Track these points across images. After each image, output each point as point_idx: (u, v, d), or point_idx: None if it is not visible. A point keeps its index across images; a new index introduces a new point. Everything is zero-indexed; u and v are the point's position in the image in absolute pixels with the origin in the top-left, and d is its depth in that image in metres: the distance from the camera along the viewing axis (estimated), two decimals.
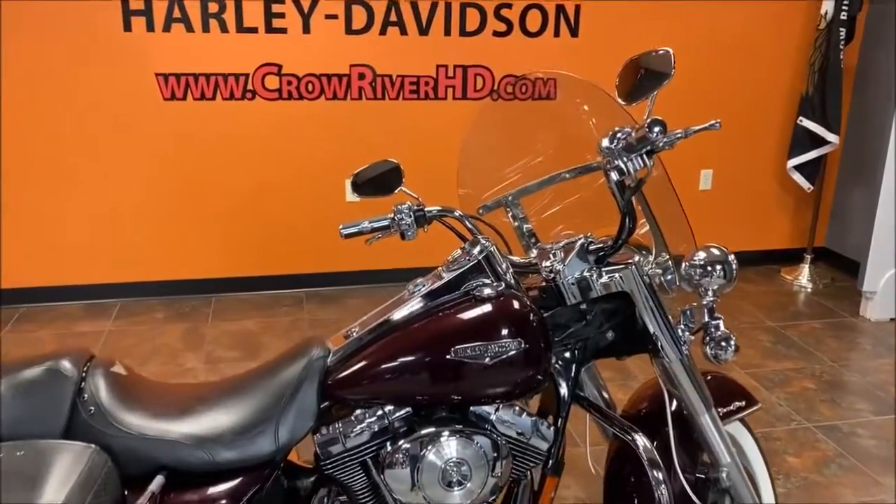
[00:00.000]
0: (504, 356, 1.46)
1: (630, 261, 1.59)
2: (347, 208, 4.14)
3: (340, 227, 1.72)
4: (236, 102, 3.91)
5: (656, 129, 1.35)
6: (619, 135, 1.43)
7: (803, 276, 4.54)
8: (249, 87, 3.90)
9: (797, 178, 4.42)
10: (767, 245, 4.81)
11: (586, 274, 1.58)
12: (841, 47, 4.16)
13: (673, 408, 1.73)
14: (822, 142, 4.29)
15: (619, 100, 1.47)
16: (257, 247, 4.15)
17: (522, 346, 1.47)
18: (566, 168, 1.74)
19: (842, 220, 4.69)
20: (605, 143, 1.44)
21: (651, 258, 1.62)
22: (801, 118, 4.33)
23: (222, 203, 4.06)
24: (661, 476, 1.55)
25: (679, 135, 1.39)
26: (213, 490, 1.44)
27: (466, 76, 4.12)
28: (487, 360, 1.46)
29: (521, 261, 1.73)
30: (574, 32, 4.20)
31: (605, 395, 1.84)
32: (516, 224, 1.81)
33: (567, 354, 1.67)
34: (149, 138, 3.90)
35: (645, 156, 1.42)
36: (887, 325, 3.95)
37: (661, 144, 1.38)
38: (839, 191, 4.72)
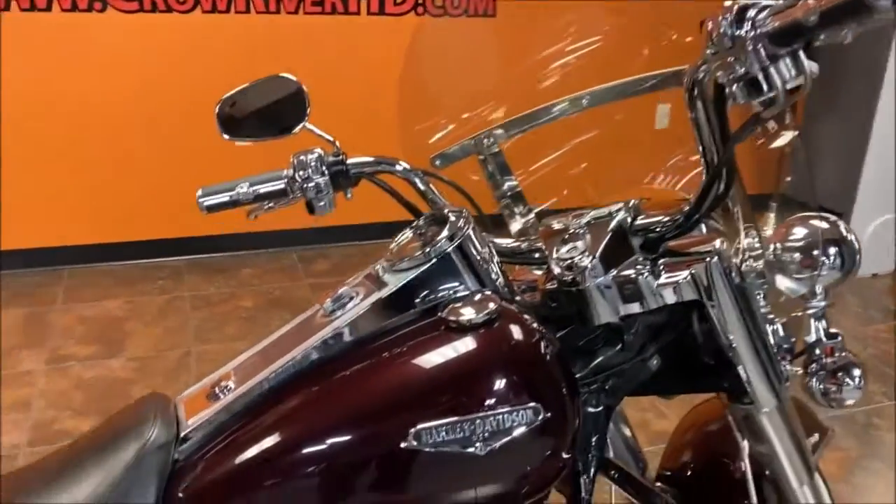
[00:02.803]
0: (509, 438, 0.80)
1: (707, 248, 0.93)
2: (235, 152, 3.34)
3: (199, 193, 1.01)
4: (81, 14, 3.22)
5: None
6: (753, 14, 0.75)
7: (769, 228, 4.06)
8: None
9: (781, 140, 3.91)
10: None
11: (632, 273, 0.92)
12: None
13: (740, 466, 1.11)
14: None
15: None
16: (122, 205, 3.50)
17: (540, 416, 0.81)
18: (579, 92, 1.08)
19: (811, 163, 4.25)
20: (727, 26, 0.77)
21: (739, 244, 0.97)
22: None
23: (72, 149, 3.37)
24: None
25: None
26: None
27: None
28: (477, 447, 0.79)
29: (511, 244, 1.06)
30: None
31: (631, 441, 1.20)
32: (494, 182, 1.13)
33: (592, 401, 1.01)
34: None
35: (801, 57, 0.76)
36: (874, 282, 3.50)
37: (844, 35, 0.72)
38: (808, 129, 4.25)
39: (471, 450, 0.79)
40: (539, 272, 1.03)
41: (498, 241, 1.06)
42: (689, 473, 1.20)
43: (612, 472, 1.06)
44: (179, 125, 3.45)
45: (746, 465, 1.05)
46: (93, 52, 3.33)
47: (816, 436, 1.26)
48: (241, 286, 3.31)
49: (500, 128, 1.13)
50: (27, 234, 3.37)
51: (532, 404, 0.81)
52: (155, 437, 0.82)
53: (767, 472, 1.08)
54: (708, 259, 0.91)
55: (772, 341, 0.99)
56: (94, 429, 0.89)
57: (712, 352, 1.00)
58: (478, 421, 0.79)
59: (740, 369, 0.95)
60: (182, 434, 0.84)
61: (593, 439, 1.02)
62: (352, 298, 0.90)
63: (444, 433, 0.78)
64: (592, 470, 1.01)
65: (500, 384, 0.81)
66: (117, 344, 2.82)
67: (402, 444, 0.78)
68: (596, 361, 1.00)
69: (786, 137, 1.03)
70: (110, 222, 3.49)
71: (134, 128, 3.44)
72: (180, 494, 0.80)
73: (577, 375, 0.97)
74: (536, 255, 1.04)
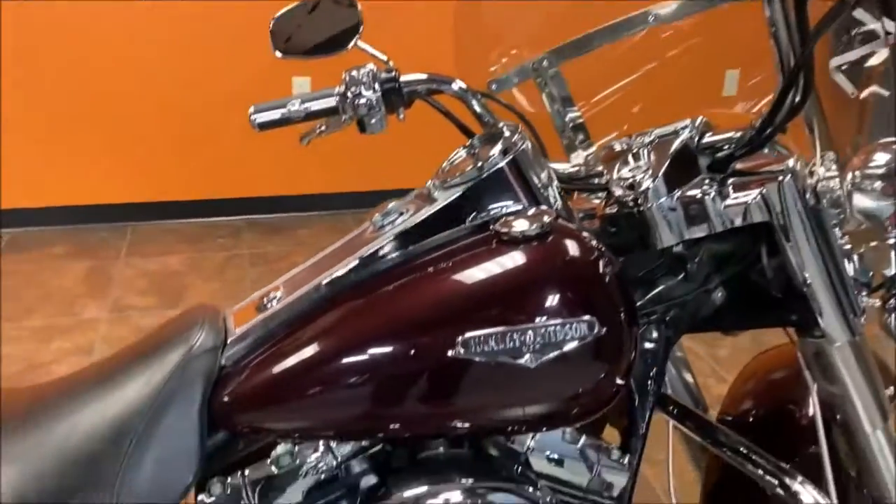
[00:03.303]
0: (560, 351, 0.76)
1: (779, 167, 0.87)
2: None
3: (251, 110, 0.99)
4: None
5: None
6: None
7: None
8: None
9: (840, 80, 3.72)
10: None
11: (698, 194, 0.87)
12: None
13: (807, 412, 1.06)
14: (873, 37, 3.58)
15: None
16: (186, 165, 3.50)
17: (595, 330, 0.77)
18: None
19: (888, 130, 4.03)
20: None
21: (814, 166, 0.91)
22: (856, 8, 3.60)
23: (140, 111, 3.38)
24: None
25: None
26: None
27: None
28: (527, 359, 0.76)
29: (570, 169, 1.02)
30: None
31: (692, 387, 1.15)
32: (554, 108, 1.08)
33: (651, 331, 0.96)
34: (42, 36, 3.17)
35: None
36: None
37: None
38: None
39: (521, 361, 0.76)
40: (598, 201, 0.99)
41: (556, 166, 1.01)
42: (751, 420, 1.14)
43: (671, 408, 1.01)
44: (246, 88, 3.39)
45: (816, 407, 0.99)
46: (160, 21, 3.30)
47: (892, 389, 1.19)
48: (298, 245, 3.32)
49: (559, 50, 1.09)
50: (94, 191, 3.44)
51: (587, 317, 0.77)
52: (202, 342, 0.81)
53: (838, 417, 1.02)
54: (781, 178, 0.85)
55: (847, 273, 0.92)
56: (142, 338, 0.89)
57: (781, 283, 0.94)
58: (529, 332, 0.76)
59: (812, 298, 0.89)
60: (229, 341, 0.83)
61: (651, 373, 0.97)
62: (401, 214, 0.87)
63: (493, 342, 0.75)
64: (649, 405, 0.97)
65: (552, 296, 0.78)
66: (176, 296, 2.86)
67: (450, 353, 0.75)
68: (656, 290, 0.96)
69: (880, 55, 0.96)
70: (174, 181, 3.53)
71: (200, 94, 3.43)
72: (225, 398, 0.79)
73: (637, 304, 0.93)
74: (596, 181, 0.99)
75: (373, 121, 0.95)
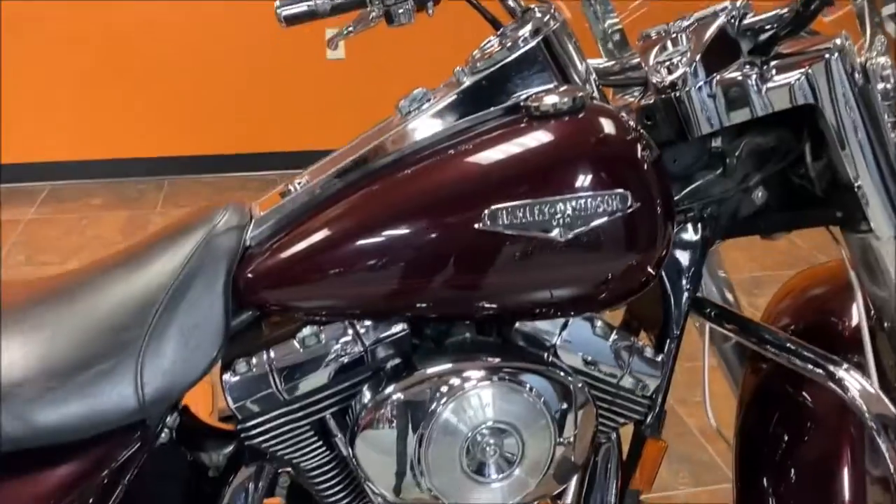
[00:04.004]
0: (591, 225, 0.74)
1: (826, 45, 0.83)
2: (328, 68, 3.35)
3: (276, 4, 0.96)
4: None
5: None
6: None
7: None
8: None
9: (891, 30, 3.58)
10: None
11: (738, 76, 0.83)
12: None
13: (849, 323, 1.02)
14: None
15: None
16: (222, 119, 3.49)
17: (628, 204, 0.74)
18: None
19: None
20: None
21: (864, 46, 0.87)
22: None
23: (177, 66, 3.39)
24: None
25: None
26: (27, 478, 0.74)
27: None
28: (557, 232, 0.73)
29: (606, 64, 0.98)
30: None
31: (729, 296, 1.12)
32: (592, 13, 1.05)
33: (688, 229, 0.93)
34: None
35: None
36: None
37: None
38: None
39: (551, 234, 0.74)
40: (632, 100, 0.95)
41: (592, 62, 0.98)
42: (791, 331, 1.10)
43: (708, 310, 0.98)
44: (279, 43, 3.34)
45: (861, 311, 0.95)
46: None
47: None
48: None
49: None
50: (132, 145, 3.46)
51: (620, 190, 0.74)
52: (226, 221, 0.81)
53: (886, 325, 0.98)
54: (827, 56, 0.81)
55: None
56: (166, 225, 0.88)
57: (825, 179, 0.90)
58: (559, 204, 0.73)
59: (858, 188, 0.85)
60: (253, 222, 0.82)
61: (687, 274, 0.94)
62: (429, 100, 0.85)
63: (521, 214, 0.73)
64: (684, 307, 0.94)
65: (584, 170, 0.75)
66: None
67: (477, 225, 0.73)
68: (694, 186, 0.92)
69: None
70: (209, 136, 3.54)
71: (234, 49, 3.42)
72: (250, 275, 0.78)
73: (675, 198, 0.89)
74: (634, 75, 0.96)
75: (400, 11, 0.92)
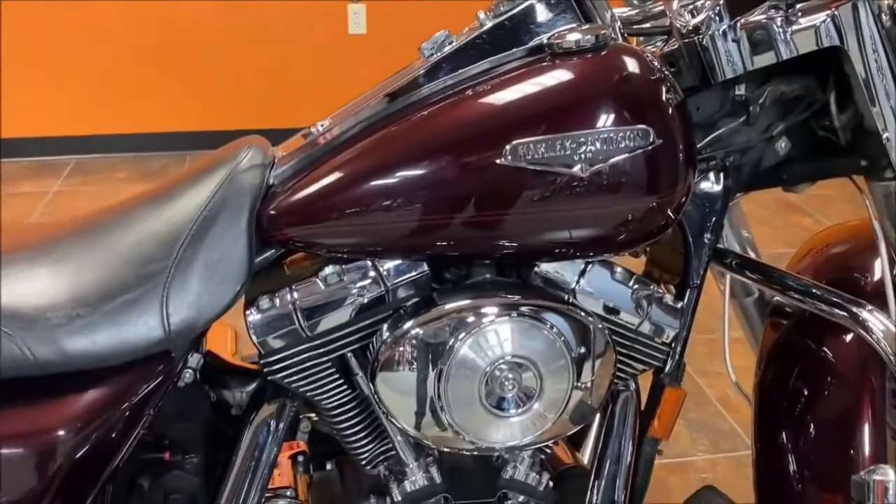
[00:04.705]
0: (612, 161, 0.74)
1: None
2: (350, 43, 3.34)
3: None
4: None
5: None
6: None
7: None
8: None
9: None
10: None
11: (763, 19, 0.82)
12: None
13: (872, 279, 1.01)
14: None
15: None
16: (243, 95, 3.52)
17: (650, 140, 0.74)
18: None
19: None
20: None
21: None
22: None
23: (199, 42, 3.42)
24: None
25: None
26: (55, 403, 0.76)
27: None
28: (578, 168, 0.74)
29: (632, 13, 0.98)
30: None
31: (752, 254, 1.11)
32: None
33: (710, 178, 0.93)
34: None
35: None
36: None
37: None
38: None
39: (573, 170, 0.74)
40: (655, 49, 0.95)
41: (616, 10, 0.98)
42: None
43: (729, 260, 0.97)
44: (302, 19, 3.42)
45: (884, 259, 0.95)
46: None
47: None
48: None
49: None
50: (156, 120, 3.49)
51: (642, 126, 0.74)
52: (249, 159, 0.82)
53: None
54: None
55: None
56: (192, 164, 0.90)
57: (850, 128, 0.89)
58: (581, 139, 0.73)
59: (883, 133, 0.84)
60: (276, 161, 0.83)
61: (709, 223, 0.94)
62: (451, 42, 0.85)
63: (542, 149, 0.73)
64: (705, 256, 0.93)
65: (606, 105, 0.75)
66: None
67: (498, 161, 0.74)
68: (717, 134, 0.92)
69: None
70: (231, 111, 3.54)
71: (257, 26, 3.43)
72: (273, 212, 0.79)
73: (698, 146, 0.89)
74: (658, 23, 0.95)
75: None
